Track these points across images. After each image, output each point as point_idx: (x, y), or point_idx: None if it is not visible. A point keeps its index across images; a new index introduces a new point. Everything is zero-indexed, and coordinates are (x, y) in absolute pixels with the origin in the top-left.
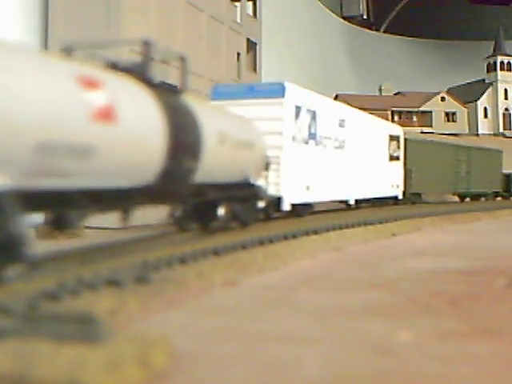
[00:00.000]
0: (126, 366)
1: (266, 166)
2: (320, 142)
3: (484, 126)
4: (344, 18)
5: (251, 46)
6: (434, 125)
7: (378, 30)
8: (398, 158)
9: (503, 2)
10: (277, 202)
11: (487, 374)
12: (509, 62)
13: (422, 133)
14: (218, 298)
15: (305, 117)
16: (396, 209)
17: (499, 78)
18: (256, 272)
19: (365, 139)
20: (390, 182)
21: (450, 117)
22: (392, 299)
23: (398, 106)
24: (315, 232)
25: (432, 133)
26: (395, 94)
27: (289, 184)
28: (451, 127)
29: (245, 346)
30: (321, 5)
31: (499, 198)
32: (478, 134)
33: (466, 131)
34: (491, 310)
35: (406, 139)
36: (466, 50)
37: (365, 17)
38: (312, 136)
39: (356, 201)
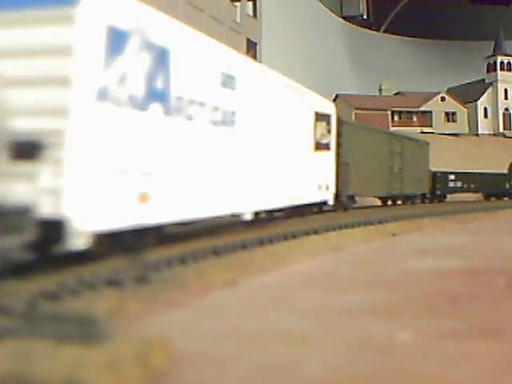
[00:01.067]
0: (126, 366)
1: (26, 153)
2: (178, 109)
3: (484, 126)
4: (344, 18)
5: (251, 45)
6: (434, 125)
7: (378, 30)
8: (328, 147)
9: (503, 2)
10: (55, 232)
11: (487, 374)
12: (509, 62)
13: (421, 133)
14: (217, 298)
15: (138, 56)
16: (396, 209)
17: (499, 78)
18: (256, 272)
19: (273, 114)
20: (315, 181)
21: (450, 117)
22: (392, 299)
23: (398, 106)
24: (315, 232)
25: (432, 133)
26: (395, 94)
27: (86, 190)
28: (451, 127)
29: (245, 346)
30: (321, 5)
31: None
32: (477, 134)
33: (466, 131)
34: (491, 310)
35: (340, 120)
36: (466, 49)
37: (365, 17)
38: (157, 96)
39: (256, 213)
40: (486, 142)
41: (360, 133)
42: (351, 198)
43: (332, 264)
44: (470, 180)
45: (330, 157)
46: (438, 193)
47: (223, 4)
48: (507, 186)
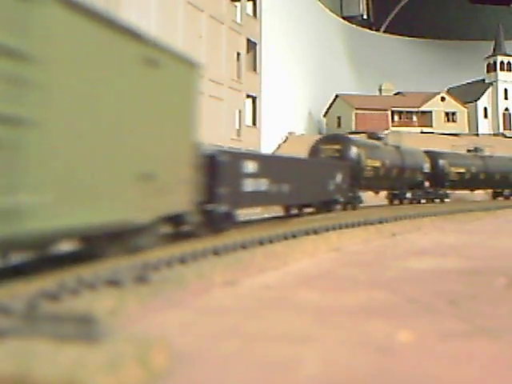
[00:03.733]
0: (126, 366)
1: None
2: None
3: (484, 126)
4: (344, 18)
5: (251, 46)
6: (434, 125)
7: (378, 30)
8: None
9: (503, 2)
10: None
11: (487, 374)
12: (509, 62)
13: (422, 133)
14: (217, 297)
15: None
16: (396, 209)
17: (499, 78)
18: (256, 272)
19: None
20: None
21: (450, 117)
22: (392, 299)
23: (398, 106)
24: (315, 232)
25: (432, 133)
26: (395, 94)
27: None
28: (451, 127)
29: (244, 346)
30: (321, 5)
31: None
32: (477, 134)
33: (466, 131)
34: (491, 310)
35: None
36: (466, 50)
37: (365, 17)
38: None
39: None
40: (486, 142)
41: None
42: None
43: (332, 264)
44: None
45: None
46: None
47: (223, 4)
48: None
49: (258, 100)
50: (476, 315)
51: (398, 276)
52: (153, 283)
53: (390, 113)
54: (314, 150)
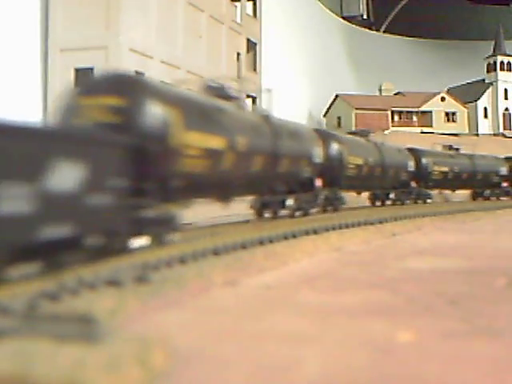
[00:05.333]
0: (126, 366)
1: None
2: None
3: (484, 126)
4: (344, 18)
5: (251, 46)
6: (434, 125)
7: (378, 30)
8: None
9: (503, 2)
10: None
11: (487, 374)
12: (509, 62)
13: (422, 133)
14: (217, 297)
15: None
16: (396, 209)
17: (499, 78)
18: (256, 272)
19: None
20: None
21: (450, 117)
22: (392, 299)
23: (398, 106)
24: (315, 232)
25: (432, 133)
26: (395, 94)
27: None
28: (451, 127)
29: (244, 346)
30: (321, 5)
31: None
32: (477, 134)
33: (466, 131)
34: (491, 310)
35: None
36: (466, 49)
37: (365, 17)
38: None
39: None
40: (486, 142)
41: None
42: None
43: (332, 264)
44: None
45: None
46: None
47: (223, 4)
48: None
49: (258, 100)
50: (476, 315)
51: (398, 276)
52: (153, 283)
53: (389, 113)
54: (68, 109)
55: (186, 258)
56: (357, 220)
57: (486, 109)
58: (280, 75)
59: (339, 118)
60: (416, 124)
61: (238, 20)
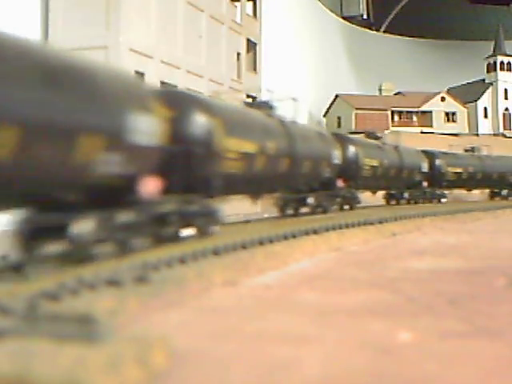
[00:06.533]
0: (126, 366)
1: None
2: None
3: (484, 126)
4: (344, 18)
5: (251, 46)
6: (434, 125)
7: (378, 30)
8: None
9: (503, 1)
10: None
11: (487, 374)
12: (509, 62)
13: (422, 133)
14: (217, 297)
15: None
16: (396, 209)
17: (499, 78)
18: (256, 272)
19: None
20: None
21: (450, 117)
22: (392, 299)
23: (398, 106)
24: (315, 232)
25: (432, 133)
26: (395, 94)
27: None
28: (451, 127)
29: (244, 346)
30: (321, 5)
31: None
32: (477, 134)
33: (466, 131)
34: (491, 310)
35: None
36: (466, 50)
37: (365, 17)
38: None
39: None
40: (486, 142)
41: None
42: None
43: (332, 264)
44: None
45: None
46: None
47: (223, 4)
48: None
49: (257, 99)
50: (476, 315)
51: (398, 276)
52: (153, 283)
53: (389, 113)
54: None
55: (186, 258)
56: (357, 220)
57: (486, 109)
58: (279, 75)
59: (339, 118)
60: (416, 124)
61: (238, 20)
